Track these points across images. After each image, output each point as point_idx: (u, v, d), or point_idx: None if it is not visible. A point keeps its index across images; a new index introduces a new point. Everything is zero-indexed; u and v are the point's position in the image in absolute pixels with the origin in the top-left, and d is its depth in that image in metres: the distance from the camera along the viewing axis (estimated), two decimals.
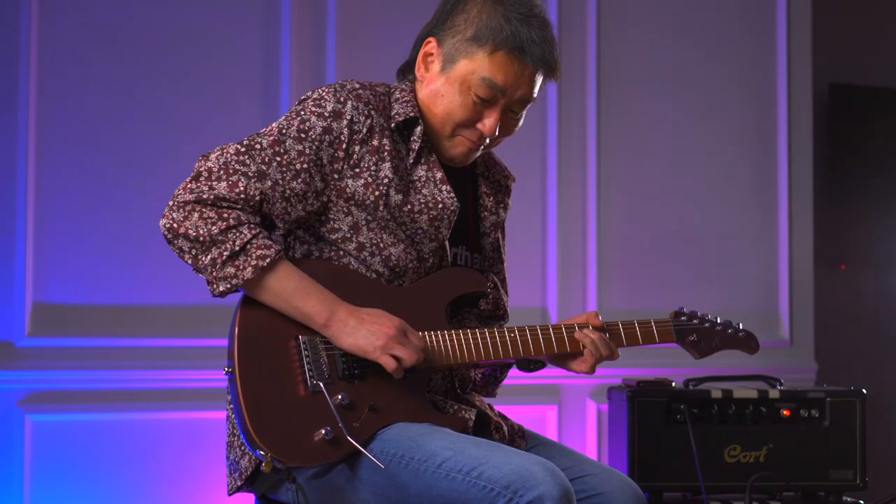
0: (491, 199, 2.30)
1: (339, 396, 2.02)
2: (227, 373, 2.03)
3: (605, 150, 4.06)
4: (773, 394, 3.34)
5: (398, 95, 2.18)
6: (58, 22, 3.45)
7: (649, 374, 3.59)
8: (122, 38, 3.52)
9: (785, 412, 3.33)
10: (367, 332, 2.02)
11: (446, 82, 2.14)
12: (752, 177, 4.20)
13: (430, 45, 2.17)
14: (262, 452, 1.97)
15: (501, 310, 2.34)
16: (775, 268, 4.19)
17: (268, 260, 2.00)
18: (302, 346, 2.05)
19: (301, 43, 3.67)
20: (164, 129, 3.53)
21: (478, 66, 2.11)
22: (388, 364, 2.04)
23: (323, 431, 1.99)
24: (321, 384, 2.01)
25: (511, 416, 2.32)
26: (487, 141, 2.18)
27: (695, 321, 2.30)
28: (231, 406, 2.10)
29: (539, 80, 2.16)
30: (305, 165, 2.07)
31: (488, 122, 2.15)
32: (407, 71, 2.25)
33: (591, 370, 2.21)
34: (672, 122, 4.14)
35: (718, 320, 2.32)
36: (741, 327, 2.34)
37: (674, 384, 3.35)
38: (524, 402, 3.78)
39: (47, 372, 3.40)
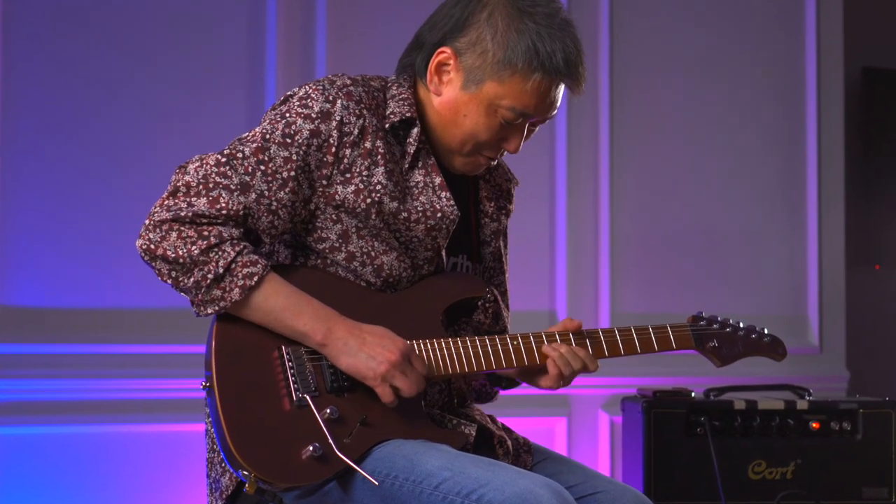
0: (492, 204, 2.29)
1: (328, 410, 2.00)
2: (204, 387, 2.02)
3: (618, 141, 4.06)
4: (802, 405, 3.36)
5: (395, 91, 2.16)
6: (24, 2, 3.44)
7: (667, 382, 3.58)
8: (95, 20, 3.51)
9: (814, 425, 3.35)
10: (367, 356, 2.02)
11: (470, 102, 2.12)
12: (777, 170, 4.20)
13: (445, 55, 2.13)
14: (245, 472, 1.95)
15: (501, 324, 2.33)
16: (803, 268, 4.19)
17: (255, 278, 1.99)
18: (286, 356, 2.03)
19: (289, 28, 3.66)
20: (139, 120, 3.52)
21: (508, 91, 2.10)
22: (386, 395, 2.03)
23: (311, 448, 1.97)
24: (308, 397, 2.00)
25: (517, 429, 2.30)
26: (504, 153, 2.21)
27: (715, 326, 2.29)
28: (210, 421, 2.08)
29: (563, 89, 2.18)
30: (293, 173, 2.05)
31: (514, 144, 2.17)
32: (409, 67, 2.22)
33: (557, 385, 2.18)
34: (691, 112, 4.14)
35: (741, 325, 2.31)
36: (766, 332, 2.33)
37: (693, 394, 3.36)
38: (531, 413, 3.78)
39: (13, 381, 3.39)
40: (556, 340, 2.17)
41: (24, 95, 3.43)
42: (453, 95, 2.14)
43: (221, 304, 2.00)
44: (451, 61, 2.13)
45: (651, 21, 4.11)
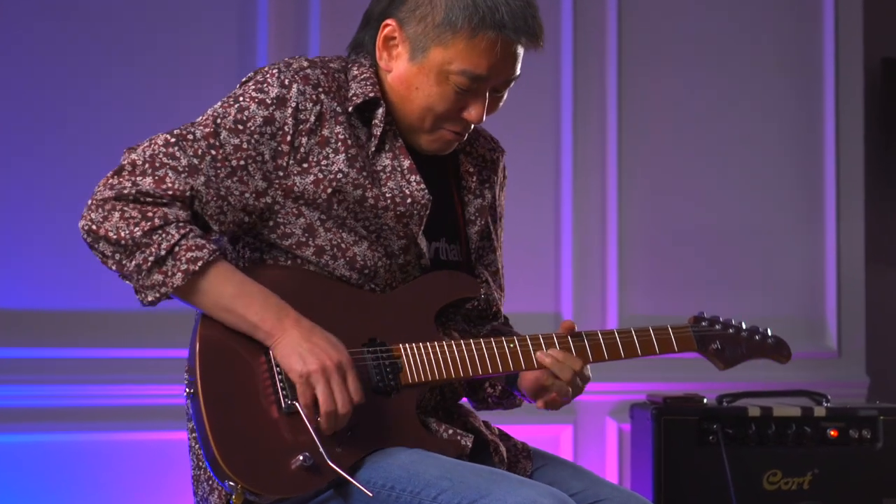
0: (474, 178, 2.27)
1: (318, 418, 1.98)
2: (188, 394, 2.01)
3: (626, 135, 4.05)
4: (819, 411, 3.37)
5: (356, 72, 2.15)
6: None
7: (677, 388, 3.59)
8: (79, 8, 3.50)
9: (832, 432, 3.36)
10: (304, 350, 1.99)
11: (419, 73, 2.10)
12: (794, 165, 4.19)
13: (390, 28, 2.12)
14: (231, 483, 1.94)
15: (493, 307, 2.31)
16: (821, 268, 4.19)
17: (199, 263, 1.97)
18: (273, 361, 2.02)
19: (280, 14, 3.66)
20: (124, 113, 3.50)
21: (454, 54, 2.07)
22: (303, 396, 1.98)
23: (301, 458, 1.96)
24: (297, 404, 1.98)
25: (520, 438, 2.30)
26: (472, 127, 2.17)
27: (717, 327, 2.28)
28: (194, 434, 2.07)
29: (521, 52, 2.14)
30: (242, 162, 2.03)
31: (475, 112, 2.12)
32: (359, 49, 2.20)
33: (553, 405, 2.17)
34: (703, 105, 4.13)
35: (744, 325, 2.30)
36: (770, 333, 2.33)
37: (705, 400, 3.37)
38: (534, 421, 3.76)
39: None
40: (553, 343, 2.15)
41: (3, 88, 3.42)
42: (403, 69, 2.12)
43: (162, 289, 1.97)
44: (397, 33, 2.11)
45: (661, 8, 4.11)
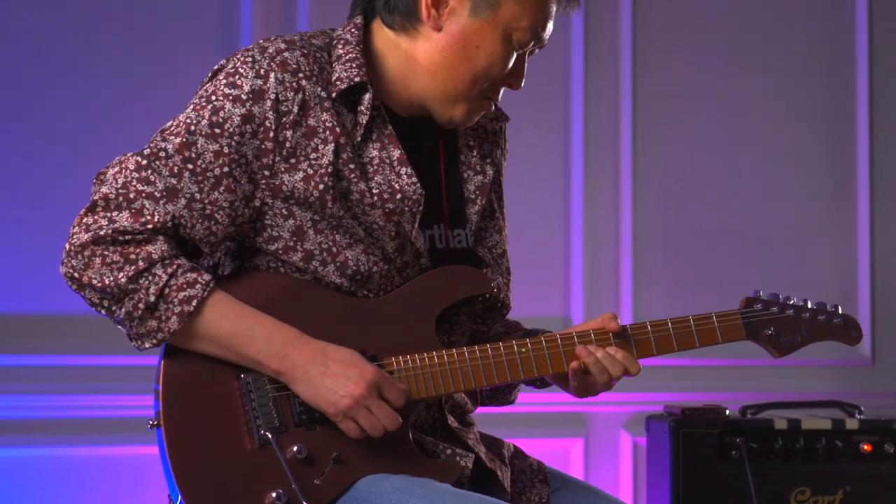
0: (475, 152, 2.21)
1: (295, 448, 1.97)
2: (151, 426, 1.99)
3: (641, 125, 4.04)
4: (851, 424, 3.38)
5: (341, 51, 2.07)
6: None
7: (697, 398, 3.58)
8: None
9: (865, 447, 3.36)
10: (329, 388, 1.98)
11: (482, 29, 2.05)
12: (824, 156, 4.18)
13: None
14: None
15: (502, 297, 2.25)
16: (853, 269, 4.17)
17: (194, 302, 1.95)
18: (246, 386, 2.00)
19: None
20: (95, 96, 3.50)
21: (528, 8, 2.05)
22: (351, 431, 1.99)
23: (274, 494, 1.95)
24: (269, 434, 1.97)
25: (528, 451, 2.27)
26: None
27: (774, 309, 2.17)
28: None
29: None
30: (227, 169, 1.98)
31: (520, 77, 2.12)
32: (369, 7, 2.12)
33: (592, 393, 2.14)
34: (725, 92, 4.12)
35: (810, 305, 2.19)
36: (840, 311, 2.22)
37: (728, 412, 3.38)
38: (542, 434, 3.78)
39: None
40: (541, 348, 2.10)
41: None
42: (459, 27, 2.06)
43: (159, 335, 1.95)
44: None
45: None
